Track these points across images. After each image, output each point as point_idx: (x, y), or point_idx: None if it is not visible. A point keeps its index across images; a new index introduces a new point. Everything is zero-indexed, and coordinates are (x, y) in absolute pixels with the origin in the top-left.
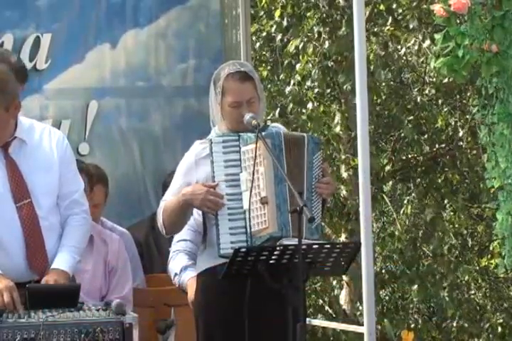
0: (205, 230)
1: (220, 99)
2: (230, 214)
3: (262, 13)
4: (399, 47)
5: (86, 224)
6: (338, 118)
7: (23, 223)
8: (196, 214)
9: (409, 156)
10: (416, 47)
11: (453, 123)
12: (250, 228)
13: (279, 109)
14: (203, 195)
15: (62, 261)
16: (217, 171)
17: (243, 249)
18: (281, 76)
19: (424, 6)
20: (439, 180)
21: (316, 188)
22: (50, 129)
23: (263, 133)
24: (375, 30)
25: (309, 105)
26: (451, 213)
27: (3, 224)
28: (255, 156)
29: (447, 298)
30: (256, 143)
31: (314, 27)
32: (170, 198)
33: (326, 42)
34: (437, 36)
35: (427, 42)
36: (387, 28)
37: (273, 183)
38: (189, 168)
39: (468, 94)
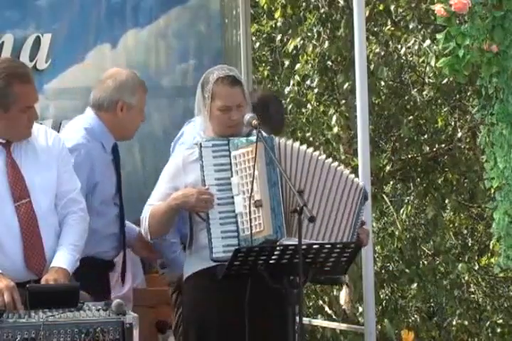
0: (191, 235)
1: (208, 103)
2: (221, 218)
3: (262, 13)
4: (399, 46)
5: (83, 221)
6: (335, 119)
7: (22, 222)
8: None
9: (409, 156)
10: (416, 47)
11: (452, 123)
12: (243, 231)
13: None
14: (195, 196)
15: (61, 259)
16: (208, 175)
17: (243, 249)
18: (276, 76)
19: (424, 6)
20: (439, 180)
21: (356, 233)
22: (45, 129)
23: (254, 138)
24: (375, 30)
25: (308, 105)
26: (451, 213)
27: (2, 223)
28: (254, 158)
29: (445, 298)
30: (256, 143)
31: (314, 27)
32: (156, 203)
33: (326, 43)
34: (439, 36)
35: (427, 41)
36: (388, 27)
37: (267, 186)
38: (177, 173)
39: (468, 94)
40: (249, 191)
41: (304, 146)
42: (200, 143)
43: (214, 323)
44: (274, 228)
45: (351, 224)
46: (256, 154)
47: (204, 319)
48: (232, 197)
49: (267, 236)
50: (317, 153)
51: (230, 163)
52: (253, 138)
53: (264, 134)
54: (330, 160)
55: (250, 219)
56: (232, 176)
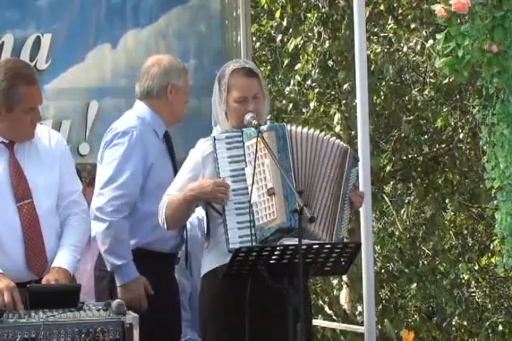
0: (208, 230)
1: (225, 96)
2: (237, 209)
3: (262, 13)
4: (401, 45)
5: (85, 223)
6: (337, 118)
7: (23, 223)
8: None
9: (410, 156)
10: (418, 47)
11: (453, 123)
12: (258, 221)
13: (275, 111)
14: (211, 187)
15: (62, 260)
16: (222, 167)
17: (243, 249)
18: (280, 76)
19: (425, 6)
20: (439, 180)
21: (348, 200)
22: (48, 130)
23: (266, 126)
24: (375, 30)
25: (310, 105)
26: (452, 213)
27: (3, 223)
28: (257, 150)
29: (445, 298)
30: (257, 140)
31: (314, 27)
32: (174, 193)
33: (327, 42)
34: (439, 36)
35: (430, 41)
36: (391, 26)
37: (279, 174)
38: (196, 165)
39: (468, 94)
40: (252, 180)
41: (316, 131)
42: (214, 137)
43: (221, 323)
44: (287, 216)
45: (341, 186)
46: (258, 146)
47: (215, 319)
48: (247, 188)
49: (280, 225)
50: (328, 136)
51: (244, 154)
52: (264, 126)
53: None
54: (338, 141)
55: (256, 210)
56: (246, 166)
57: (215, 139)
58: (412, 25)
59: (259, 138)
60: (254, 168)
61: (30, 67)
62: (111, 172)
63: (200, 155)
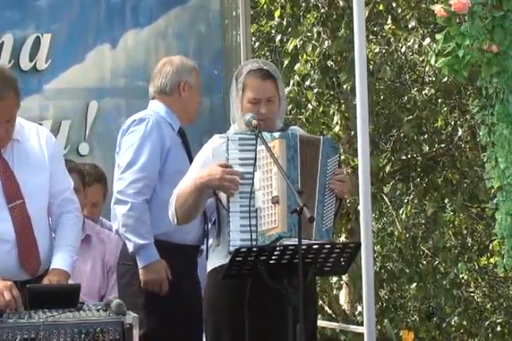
0: (219, 228)
1: (240, 94)
2: (241, 212)
3: (262, 13)
4: (400, 45)
5: (79, 222)
6: (337, 118)
7: (16, 224)
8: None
9: (409, 156)
10: (416, 46)
11: (452, 123)
12: (261, 227)
13: None
14: (219, 175)
15: (61, 261)
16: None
17: (243, 249)
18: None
19: (424, 6)
20: (439, 180)
21: (328, 190)
22: (37, 127)
23: (279, 134)
24: (375, 29)
25: (309, 106)
26: (451, 213)
27: None
28: (256, 155)
29: (444, 298)
30: (256, 145)
31: (314, 27)
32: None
33: (326, 42)
34: (439, 36)
35: (427, 40)
36: (389, 26)
37: (285, 184)
38: (207, 160)
39: (468, 93)
40: (252, 184)
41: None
42: (228, 136)
43: (223, 322)
44: (288, 225)
45: (316, 178)
46: (267, 153)
47: (217, 317)
48: (254, 192)
49: (281, 234)
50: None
51: (255, 158)
52: (276, 134)
53: (290, 131)
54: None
55: (261, 216)
56: (255, 171)
57: (228, 139)
58: (410, 25)
59: (274, 143)
60: (253, 172)
61: (7, 83)
62: (130, 156)
63: (211, 151)
